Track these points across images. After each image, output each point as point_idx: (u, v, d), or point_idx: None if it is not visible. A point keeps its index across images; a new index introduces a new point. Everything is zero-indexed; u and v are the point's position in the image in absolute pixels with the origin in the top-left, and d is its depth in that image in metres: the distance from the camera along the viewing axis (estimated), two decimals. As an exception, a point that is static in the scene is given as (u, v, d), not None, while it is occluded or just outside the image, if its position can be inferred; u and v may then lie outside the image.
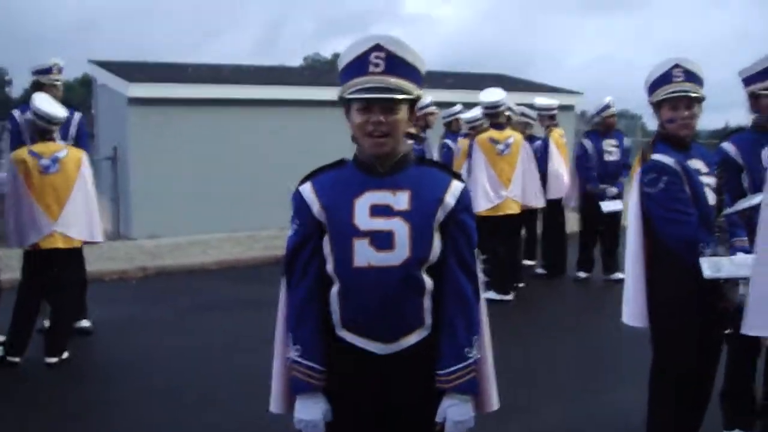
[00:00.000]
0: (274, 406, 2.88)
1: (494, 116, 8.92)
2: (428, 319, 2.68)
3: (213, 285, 10.32)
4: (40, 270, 6.71)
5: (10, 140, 7.27)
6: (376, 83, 2.53)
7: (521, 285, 9.57)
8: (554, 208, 10.40)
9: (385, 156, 2.63)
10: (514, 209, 8.95)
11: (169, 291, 10.05)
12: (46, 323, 7.14)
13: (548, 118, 10.57)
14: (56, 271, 6.69)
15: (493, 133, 8.86)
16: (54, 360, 6.59)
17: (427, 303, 2.66)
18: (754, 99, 4.41)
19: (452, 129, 10.67)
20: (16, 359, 6.55)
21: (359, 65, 2.57)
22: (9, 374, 6.39)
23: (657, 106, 3.97)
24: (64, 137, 7.33)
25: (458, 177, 2.73)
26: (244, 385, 5.65)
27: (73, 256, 6.84)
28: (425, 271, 2.63)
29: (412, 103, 2.64)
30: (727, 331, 3.91)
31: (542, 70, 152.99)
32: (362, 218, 2.61)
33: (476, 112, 9.47)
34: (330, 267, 2.66)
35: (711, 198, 3.93)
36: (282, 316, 2.83)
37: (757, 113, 4.43)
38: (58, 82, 7.64)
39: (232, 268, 11.26)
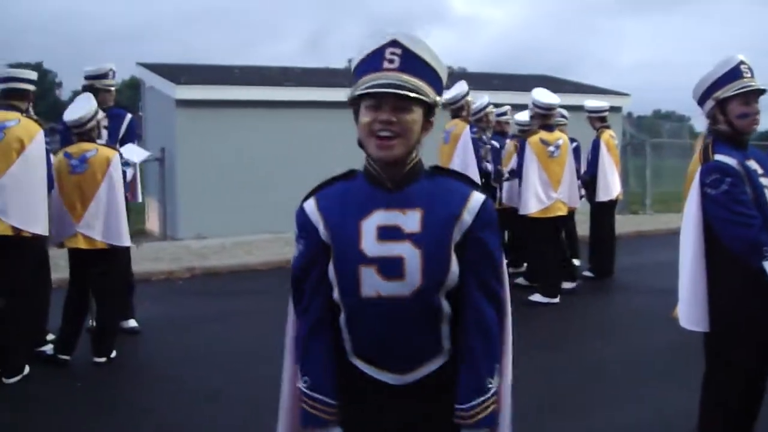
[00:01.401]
0: (283, 429, 2.67)
1: (546, 117, 8.87)
2: (447, 345, 2.43)
3: (259, 286, 10.34)
4: (80, 270, 6.76)
5: (61, 142, 7.31)
6: (388, 79, 2.28)
7: (574, 285, 9.52)
8: (604, 209, 10.26)
9: (393, 162, 2.35)
10: (563, 211, 8.94)
11: (216, 292, 10.09)
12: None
13: (599, 119, 10.42)
14: (95, 272, 6.70)
15: (543, 135, 8.82)
16: (102, 360, 6.63)
17: (444, 330, 2.41)
18: None
19: (498, 130, 10.59)
20: (66, 357, 6.58)
21: (373, 61, 2.33)
22: (59, 373, 6.41)
23: (723, 102, 3.86)
24: (113, 135, 7.40)
25: (479, 187, 2.46)
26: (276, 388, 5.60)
27: (109, 257, 6.68)
28: (443, 296, 2.37)
29: (428, 108, 2.35)
30: None
31: (588, 71, 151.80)
32: (369, 243, 2.34)
33: (525, 114, 9.47)
34: (336, 294, 2.41)
35: None
36: (290, 341, 2.63)
37: None
38: (112, 88, 7.72)
39: (279, 268, 11.26)
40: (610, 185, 10.14)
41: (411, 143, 2.33)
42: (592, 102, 10.84)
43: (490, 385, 2.38)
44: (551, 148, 8.77)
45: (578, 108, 10.65)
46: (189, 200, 13.98)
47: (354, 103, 2.36)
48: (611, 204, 10.38)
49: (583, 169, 10.15)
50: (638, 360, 6.68)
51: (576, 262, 10.52)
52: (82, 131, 6.57)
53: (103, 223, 6.53)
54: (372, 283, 2.32)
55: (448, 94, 9.11)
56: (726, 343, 3.91)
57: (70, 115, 6.61)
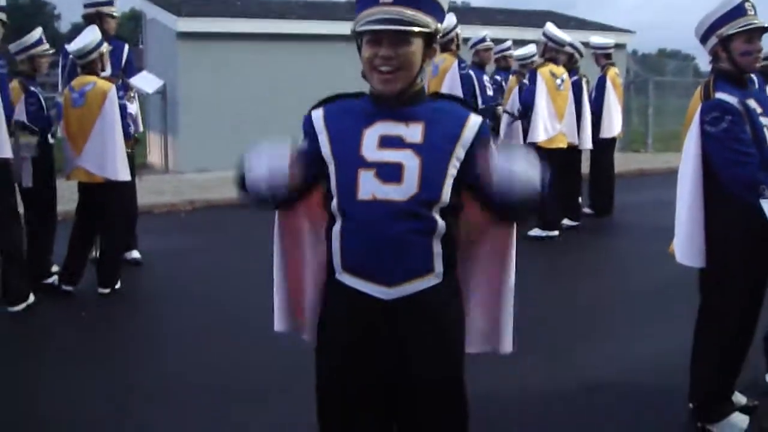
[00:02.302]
0: (278, 324, 2.78)
1: (557, 52, 9.02)
2: (438, 266, 2.43)
3: (260, 217, 10.36)
4: (84, 202, 6.84)
5: (67, 74, 7.29)
6: (386, 14, 2.32)
7: (576, 224, 9.63)
8: (604, 147, 10.26)
9: (396, 94, 2.41)
10: (563, 143, 9.04)
11: (218, 224, 10.17)
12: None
13: (604, 56, 10.35)
14: (97, 204, 6.76)
15: (552, 68, 8.93)
16: (106, 291, 6.72)
17: (437, 247, 2.42)
18: None
19: (502, 65, 10.54)
20: (69, 288, 6.68)
21: None
22: (64, 303, 6.52)
23: (726, 40, 3.86)
24: (115, 67, 7.39)
25: (477, 111, 2.53)
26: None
27: (109, 190, 6.67)
28: (437, 211, 2.40)
29: (429, 37, 2.40)
30: None
31: (593, 8, 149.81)
32: (370, 149, 2.40)
33: (528, 49, 9.50)
34: (334, 202, 2.44)
35: None
36: (275, 232, 2.73)
37: None
38: (116, 14, 7.73)
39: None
40: (614, 123, 10.13)
41: (412, 74, 2.39)
42: (598, 38, 10.77)
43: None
44: (558, 81, 8.89)
45: (582, 44, 10.57)
46: (190, 134, 13.97)
47: (356, 36, 2.41)
48: (612, 142, 10.38)
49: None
50: (636, 297, 6.76)
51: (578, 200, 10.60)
52: (85, 62, 6.56)
53: (99, 157, 6.55)
54: (369, 187, 2.36)
55: None
56: (720, 280, 3.97)
57: (74, 45, 6.61)
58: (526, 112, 8.87)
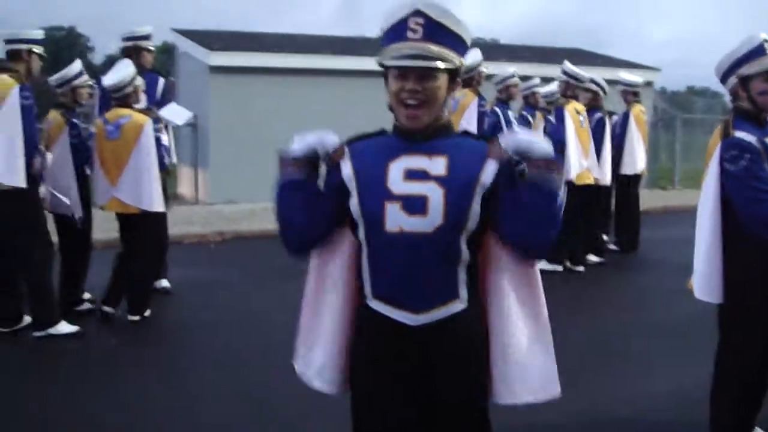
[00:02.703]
0: (297, 366, 2.82)
1: (577, 89, 9.24)
2: (463, 293, 2.53)
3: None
4: (120, 232, 7.02)
5: (100, 105, 7.49)
6: (413, 50, 2.41)
7: (601, 260, 9.69)
8: (629, 183, 10.35)
9: (421, 129, 2.50)
10: (591, 180, 9.17)
11: (246, 255, 10.31)
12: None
13: (632, 94, 10.46)
14: (130, 234, 6.94)
15: (575, 104, 9.10)
16: (136, 318, 6.86)
17: (462, 274, 2.52)
18: None
19: (530, 102, 10.65)
20: (110, 310, 6.88)
21: (398, 30, 2.46)
22: (95, 329, 6.68)
23: (746, 80, 3.95)
24: (151, 101, 7.60)
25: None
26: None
27: (143, 220, 6.85)
28: (463, 241, 2.49)
29: (453, 72, 2.50)
30: None
31: (622, 45, 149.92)
32: (395, 182, 2.48)
33: (554, 86, 9.59)
34: (361, 232, 2.53)
35: None
36: (311, 270, 2.78)
37: None
38: (153, 49, 7.97)
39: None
40: (636, 159, 10.21)
41: (437, 107, 2.49)
42: (628, 76, 10.86)
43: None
44: (581, 118, 9.07)
45: (609, 82, 10.68)
46: (220, 165, 14.19)
47: (383, 69, 2.51)
48: (636, 178, 10.46)
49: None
50: (657, 332, 6.80)
51: (604, 237, 10.64)
52: (120, 96, 6.74)
53: (134, 188, 6.72)
54: (396, 219, 2.45)
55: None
56: (739, 316, 4.02)
57: (109, 79, 6.77)
58: (556, 149, 8.96)
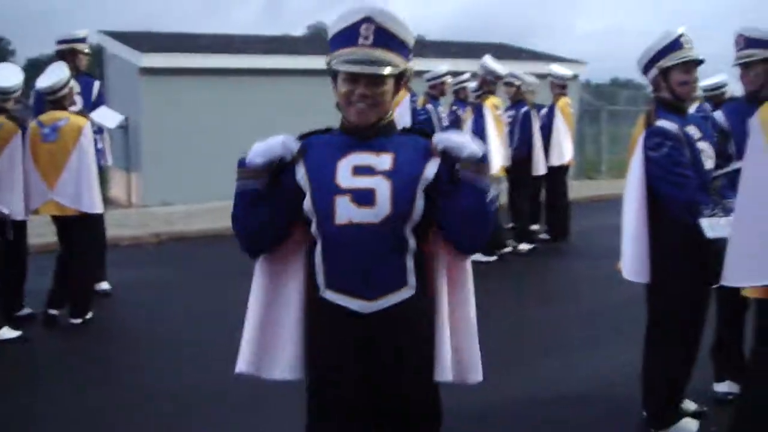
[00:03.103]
0: (242, 363, 2.86)
1: (495, 84, 9.61)
2: (411, 280, 2.67)
3: (224, 250, 10.57)
4: (58, 234, 7.02)
5: (34, 109, 7.46)
6: (363, 56, 2.54)
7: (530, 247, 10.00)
8: (557, 174, 10.65)
9: (369, 125, 2.64)
10: (502, 171, 9.55)
11: (183, 256, 10.39)
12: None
13: (559, 86, 10.78)
14: (69, 237, 6.93)
15: (494, 99, 9.46)
16: (78, 321, 6.87)
17: (409, 263, 2.66)
18: (744, 69, 4.65)
19: (460, 97, 10.85)
20: (55, 312, 6.89)
21: (348, 35, 2.57)
22: (37, 333, 6.67)
23: (665, 71, 4.19)
24: (86, 104, 7.61)
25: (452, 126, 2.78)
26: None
27: (81, 222, 6.85)
28: (410, 231, 2.63)
29: (399, 75, 2.63)
30: (714, 286, 4.12)
31: (547, 38, 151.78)
32: (344, 177, 2.61)
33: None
34: (314, 227, 2.66)
35: (707, 162, 4.17)
36: (257, 268, 2.86)
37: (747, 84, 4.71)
38: (88, 51, 7.97)
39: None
40: (563, 150, 10.51)
41: (385, 108, 2.64)
42: (558, 68, 11.13)
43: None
44: (499, 112, 9.45)
45: (539, 76, 10.97)
46: (153, 168, 14.13)
47: (331, 71, 2.63)
48: (564, 169, 10.75)
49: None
50: (591, 315, 7.10)
51: (535, 226, 10.93)
52: (55, 98, 6.72)
53: (74, 190, 6.70)
54: (345, 211, 2.59)
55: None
56: (664, 294, 4.27)
57: (43, 81, 6.75)
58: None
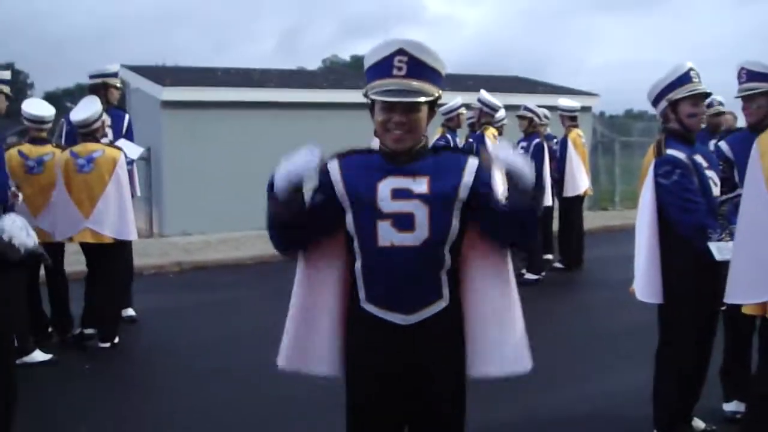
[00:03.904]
0: (283, 360, 3.05)
1: (492, 116, 10.07)
2: (446, 292, 2.85)
3: (244, 278, 10.88)
4: (87, 262, 7.28)
5: (66, 139, 7.79)
6: (398, 86, 2.70)
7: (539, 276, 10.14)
8: (572, 204, 10.87)
9: (405, 150, 2.78)
10: None
11: (205, 284, 10.61)
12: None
13: (569, 119, 10.97)
14: (101, 264, 7.19)
15: (492, 130, 9.90)
16: (107, 345, 7.11)
17: (444, 277, 2.84)
18: (746, 101, 4.88)
19: (475, 129, 11.05)
20: (92, 331, 7.20)
21: (383, 67, 2.73)
22: (68, 357, 6.90)
23: (675, 104, 4.40)
24: (116, 136, 7.90)
25: (474, 154, 2.91)
26: (273, 368, 6.12)
27: (113, 250, 7.16)
28: (447, 250, 2.81)
29: (432, 102, 2.78)
30: (723, 308, 4.30)
31: (562, 71, 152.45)
32: (385, 201, 2.75)
33: (501, 112, 10.30)
34: (356, 245, 2.82)
35: (714, 189, 4.38)
36: (296, 282, 3.02)
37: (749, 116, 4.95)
38: (120, 86, 8.29)
39: (265, 263, 11.73)
40: (578, 181, 10.73)
41: (420, 134, 2.82)
42: (565, 101, 11.37)
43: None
44: (497, 143, 9.48)
45: (550, 108, 11.19)
46: (174, 198, 14.41)
47: (369, 100, 2.81)
48: (579, 199, 10.96)
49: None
50: (605, 339, 7.31)
51: (549, 256, 11.12)
52: (88, 131, 7.04)
53: (111, 219, 7.01)
54: (387, 235, 2.77)
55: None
56: (675, 315, 4.46)
57: (77, 115, 7.06)
58: None
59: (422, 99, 2.73)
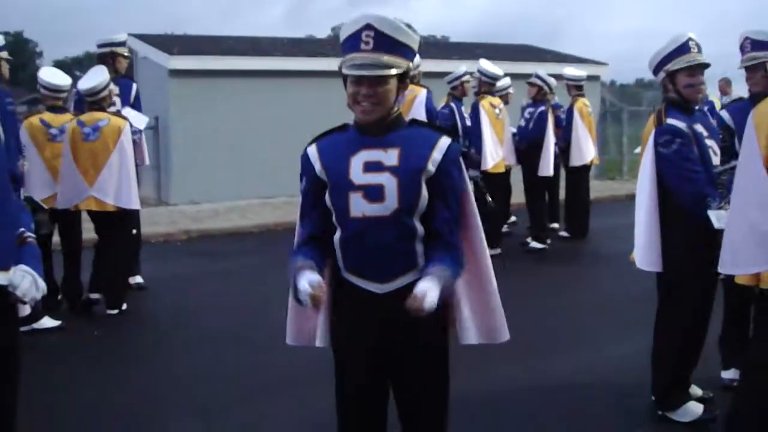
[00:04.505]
0: (290, 338, 3.29)
1: (492, 85, 9.94)
2: (420, 261, 2.92)
3: (251, 246, 11.00)
4: (95, 229, 7.36)
5: (74, 108, 7.88)
6: (365, 60, 2.78)
7: (543, 247, 10.24)
8: (578, 174, 10.89)
9: (374, 122, 2.86)
10: (503, 168, 10.00)
11: (213, 251, 10.69)
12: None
13: (575, 88, 10.95)
14: (106, 231, 7.30)
15: (491, 99, 9.82)
16: (114, 311, 7.21)
17: (419, 248, 2.92)
18: (750, 71, 4.90)
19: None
20: (97, 296, 7.34)
21: (353, 42, 2.82)
22: (77, 323, 7.02)
23: (672, 74, 4.43)
24: (125, 104, 7.95)
25: (449, 134, 3.00)
26: (276, 331, 6.21)
27: (119, 218, 7.25)
28: (417, 219, 2.88)
29: (402, 74, 2.85)
30: (722, 277, 4.32)
31: (574, 40, 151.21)
32: (356, 174, 2.87)
33: (506, 80, 10.27)
34: (334, 217, 2.95)
35: (714, 159, 4.41)
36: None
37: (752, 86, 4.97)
38: (127, 54, 8.31)
39: (270, 231, 11.83)
40: (584, 151, 10.74)
41: (389, 106, 2.89)
42: (570, 70, 11.35)
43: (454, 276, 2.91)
44: (497, 111, 9.75)
45: (558, 77, 11.18)
46: (182, 167, 14.48)
47: (342, 74, 2.90)
48: (585, 169, 10.99)
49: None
50: (607, 307, 7.39)
51: (554, 225, 11.18)
52: (95, 100, 7.10)
53: (114, 188, 7.09)
54: (359, 206, 2.88)
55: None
56: (676, 282, 4.52)
57: (85, 83, 7.12)
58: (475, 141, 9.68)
59: (386, 72, 2.80)
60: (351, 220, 2.89)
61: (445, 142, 2.93)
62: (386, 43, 2.81)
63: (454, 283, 2.96)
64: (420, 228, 2.91)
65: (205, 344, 6.41)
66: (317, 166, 2.97)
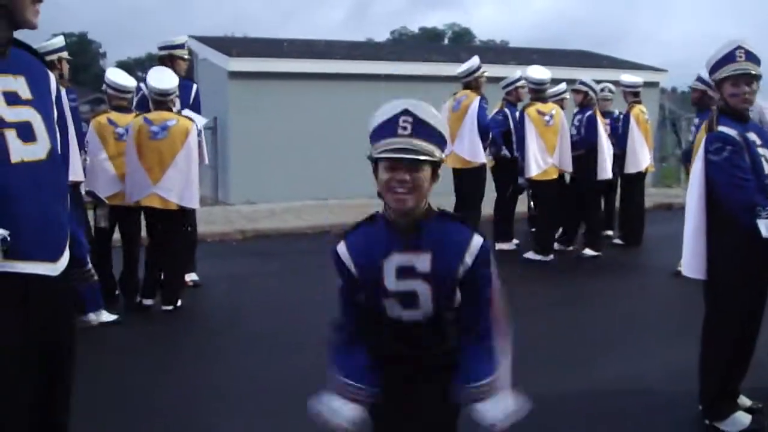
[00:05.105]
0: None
1: (539, 92, 9.82)
2: (454, 341, 3.02)
3: (306, 246, 11.09)
4: (151, 225, 7.54)
5: (138, 106, 8.06)
6: (403, 144, 2.71)
7: (597, 254, 10.19)
8: (633, 181, 10.82)
9: (408, 211, 2.80)
10: (555, 175, 9.87)
11: (268, 251, 10.84)
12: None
13: (632, 94, 10.88)
14: (166, 229, 7.45)
15: (539, 106, 9.70)
16: (170, 308, 7.38)
17: (449, 330, 3.03)
18: None
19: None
20: (150, 302, 7.46)
21: (389, 127, 2.76)
22: (133, 319, 7.20)
23: (720, 83, 4.43)
24: (185, 105, 8.13)
25: (477, 230, 2.95)
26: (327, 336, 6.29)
27: (180, 216, 7.44)
28: (450, 316, 3.00)
29: (435, 164, 2.79)
30: None
31: (634, 45, 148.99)
32: (390, 280, 2.89)
33: (562, 85, 10.23)
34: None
35: (766, 167, 4.39)
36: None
37: None
38: (187, 57, 8.50)
39: (323, 232, 11.94)
40: (639, 158, 10.65)
41: (422, 195, 2.84)
42: (627, 77, 11.26)
43: (492, 376, 2.96)
44: (546, 118, 9.65)
45: (614, 83, 11.15)
46: (239, 168, 14.72)
47: (373, 161, 2.86)
48: (640, 176, 10.90)
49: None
50: (659, 314, 7.38)
51: (609, 232, 11.13)
52: (164, 100, 7.29)
53: (179, 187, 7.26)
54: (394, 311, 2.97)
55: (461, 68, 10.17)
56: (721, 291, 4.50)
57: (159, 83, 7.30)
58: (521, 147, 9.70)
59: (425, 157, 2.74)
60: (387, 319, 3.00)
61: (476, 244, 2.90)
62: (423, 130, 2.77)
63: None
64: (453, 319, 3.02)
65: (256, 345, 6.50)
66: (352, 268, 2.98)
